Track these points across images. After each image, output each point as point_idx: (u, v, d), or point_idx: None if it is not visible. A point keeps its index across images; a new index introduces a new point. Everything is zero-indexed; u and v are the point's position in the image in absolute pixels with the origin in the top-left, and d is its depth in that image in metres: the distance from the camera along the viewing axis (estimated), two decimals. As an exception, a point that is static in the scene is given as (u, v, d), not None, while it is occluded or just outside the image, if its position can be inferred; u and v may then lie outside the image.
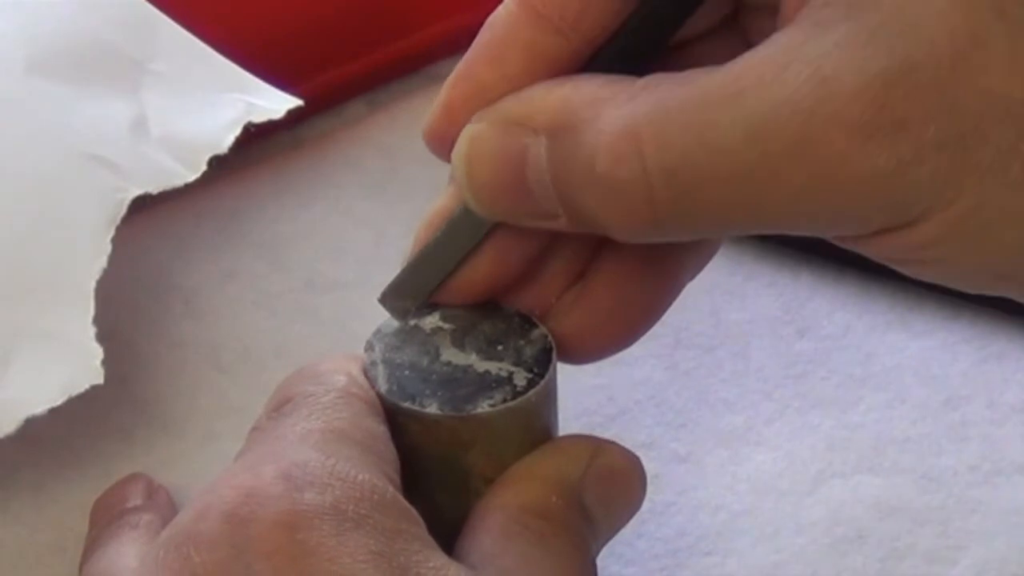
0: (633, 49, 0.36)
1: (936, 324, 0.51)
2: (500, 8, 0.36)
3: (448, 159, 0.37)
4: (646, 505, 0.39)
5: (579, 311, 0.39)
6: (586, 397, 0.48)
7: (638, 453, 0.39)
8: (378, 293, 0.39)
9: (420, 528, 0.35)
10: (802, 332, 0.51)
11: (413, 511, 0.35)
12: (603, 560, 0.38)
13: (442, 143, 0.37)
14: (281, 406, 0.37)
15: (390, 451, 0.37)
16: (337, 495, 0.34)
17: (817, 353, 0.50)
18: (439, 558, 0.34)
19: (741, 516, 0.46)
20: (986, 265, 0.33)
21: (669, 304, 0.39)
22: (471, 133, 0.36)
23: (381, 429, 0.37)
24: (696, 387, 0.49)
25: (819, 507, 0.46)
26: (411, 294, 0.39)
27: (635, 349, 0.49)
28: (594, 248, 0.39)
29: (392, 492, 0.35)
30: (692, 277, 0.40)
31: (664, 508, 0.45)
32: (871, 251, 0.34)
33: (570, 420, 0.41)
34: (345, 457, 0.35)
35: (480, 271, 0.38)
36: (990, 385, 0.49)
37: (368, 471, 0.35)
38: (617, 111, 0.33)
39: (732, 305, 0.51)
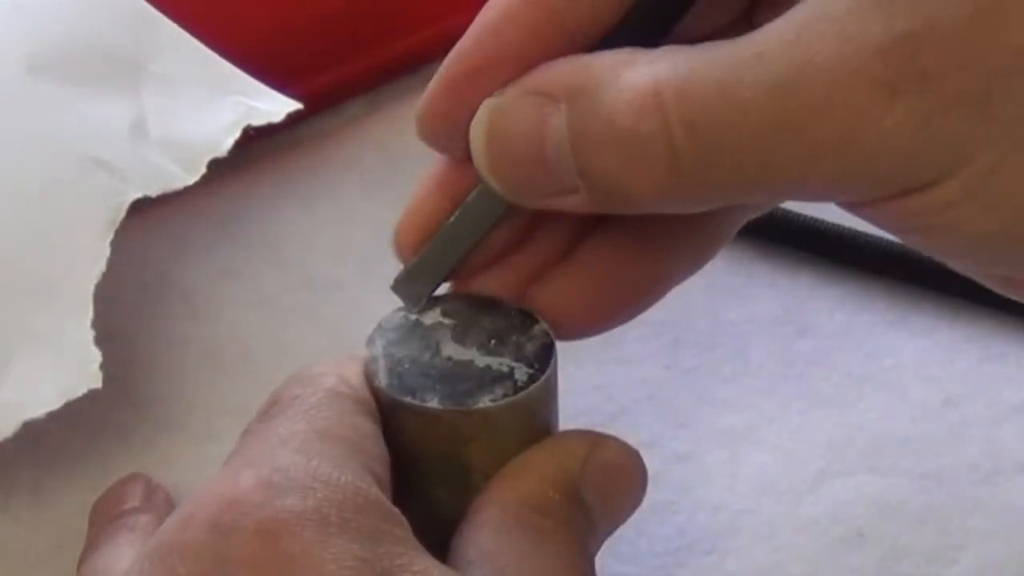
0: (642, 30, 0.36)
1: (936, 324, 0.51)
2: None
3: (439, 141, 0.37)
4: (646, 504, 0.39)
5: (563, 285, 0.39)
6: (586, 396, 0.48)
7: (638, 452, 0.39)
8: (378, 293, 0.39)
9: (404, 529, 0.35)
10: (802, 332, 0.51)
11: (397, 512, 0.35)
12: (603, 558, 0.38)
13: (438, 123, 0.37)
14: (269, 409, 0.37)
15: (379, 448, 0.37)
16: (319, 499, 0.34)
17: (817, 353, 0.50)
18: (423, 560, 0.34)
19: (741, 515, 0.46)
20: (999, 229, 0.33)
21: (657, 295, 0.39)
22: (492, 106, 0.36)
23: (369, 426, 0.37)
24: (696, 387, 0.49)
25: (819, 507, 0.46)
26: (424, 281, 0.38)
27: (635, 349, 0.50)
28: (584, 226, 0.39)
29: (375, 493, 0.35)
30: (684, 276, 0.39)
31: (664, 507, 0.45)
32: (883, 217, 0.34)
33: (570, 419, 0.41)
34: (328, 458, 0.35)
35: (485, 253, 0.38)
36: (990, 385, 0.49)
37: (351, 472, 0.35)
38: (637, 70, 0.33)
39: (732, 305, 0.51)
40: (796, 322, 0.51)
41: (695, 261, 0.40)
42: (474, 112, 0.36)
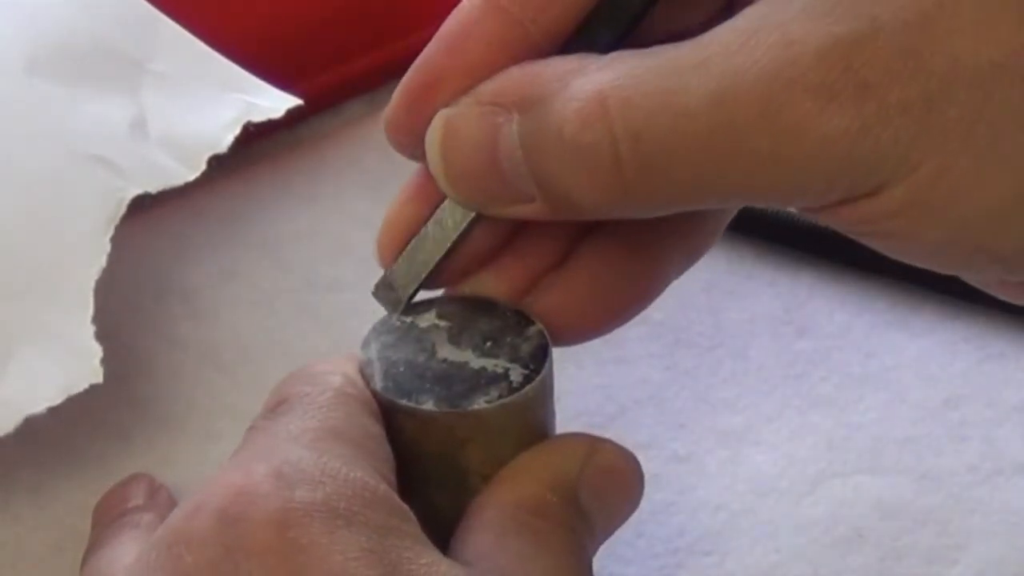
0: (601, 38, 0.36)
1: (936, 324, 0.51)
2: (463, 1, 0.36)
3: (406, 150, 0.37)
4: (646, 505, 0.39)
5: (560, 292, 0.39)
6: (586, 397, 0.48)
7: (637, 453, 0.39)
8: (377, 292, 0.39)
9: (412, 525, 0.35)
10: (802, 332, 0.51)
11: (405, 508, 0.35)
12: (602, 559, 0.38)
13: (401, 133, 0.37)
14: (277, 406, 0.37)
15: (384, 450, 0.37)
16: (328, 492, 0.34)
17: (817, 353, 0.50)
18: (431, 555, 0.34)
19: (741, 516, 0.46)
20: (952, 236, 0.33)
21: (654, 294, 0.39)
22: (444, 117, 0.36)
23: (376, 428, 0.37)
24: (696, 387, 0.49)
25: (819, 507, 0.46)
26: (402, 286, 0.39)
27: (635, 349, 0.50)
28: (579, 230, 0.39)
29: (384, 489, 0.35)
30: (680, 272, 0.39)
31: (664, 508, 0.45)
32: (836, 222, 0.34)
33: (569, 419, 0.41)
34: (338, 455, 0.35)
35: (467, 257, 0.38)
36: (990, 385, 0.49)
37: (360, 469, 0.35)
38: (585, 79, 0.33)
39: (732, 305, 0.51)
40: (796, 322, 0.51)
41: (689, 258, 0.40)
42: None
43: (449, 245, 0.38)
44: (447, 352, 0.38)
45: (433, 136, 0.36)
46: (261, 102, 0.52)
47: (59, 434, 0.47)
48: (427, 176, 0.37)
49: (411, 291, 0.39)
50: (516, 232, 0.39)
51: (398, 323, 0.39)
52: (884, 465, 0.47)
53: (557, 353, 0.39)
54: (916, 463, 0.47)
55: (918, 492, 0.46)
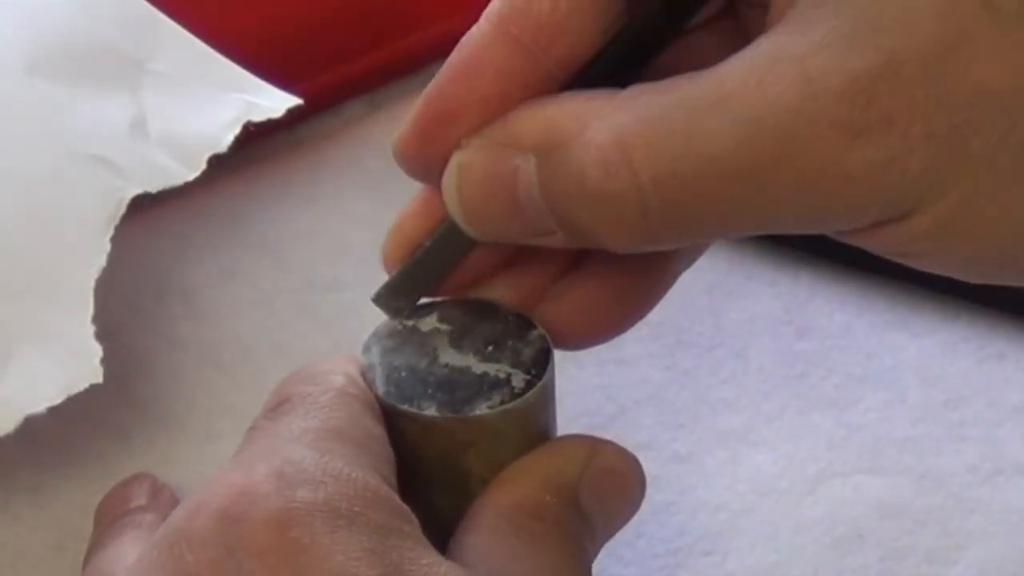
0: (617, 69, 0.36)
1: (936, 324, 0.51)
2: (473, 29, 0.36)
3: (417, 177, 0.37)
4: (646, 505, 0.39)
5: (571, 297, 0.39)
6: (586, 397, 0.48)
7: (638, 453, 0.39)
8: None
9: (414, 526, 0.35)
10: (802, 332, 0.51)
11: (407, 509, 0.35)
12: (602, 560, 0.38)
13: (413, 163, 0.37)
14: (278, 406, 0.37)
15: (386, 451, 0.37)
16: (330, 492, 0.34)
17: (817, 353, 0.50)
18: (431, 556, 0.34)
19: (741, 516, 0.46)
20: (982, 256, 0.33)
21: (663, 293, 0.39)
22: (459, 161, 0.36)
23: (378, 429, 0.37)
24: (696, 387, 0.49)
25: (819, 507, 0.46)
26: (406, 293, 0.39)
27: (635, 349, 0.50)
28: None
29: (386, 490, 0.35)
30: (687, 266, 0.40)
31: (664, 508, 0.45)
32: (868, 244, 0.34)
33: (570, 420, 0.41)
34: (340, 455, 0.35)
35: (474, 268, 0.38)
36: (990, 385, 0.49)
37: (362, 469, 0.35)
38: (603, 122, 0.33)
39: (732, 305, 0.51)
40: (796, 322, 0.51)
41: (696, 251, 0.40)
42: (446, 154, 0.36)
43: (457, 257, 0.38)
44: (449, 357, 0.38)
45: (450, 179, 0.36)
46: (261, 102, 0.52)
47: (59, 434, 0.47)
48: (435, 191, 0.37)
49: (414, 300, 0.39)
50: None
51: (400, 327, 0.39)
52: (884, 465, 0.47)
53: (557, 353, 0.39)
54: (916, 463, 0.47)
55: (918, 492, 0.46)
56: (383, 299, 0.39)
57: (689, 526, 0.45)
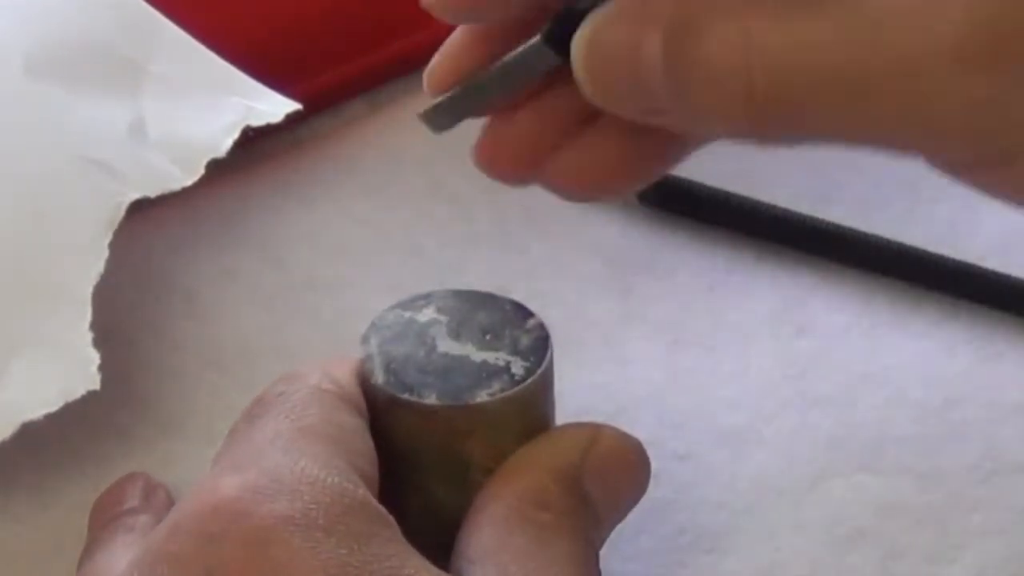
0: None
1: (936, 324, 0.51)
2: None
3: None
4: (646, 503, 0.39)
5: (584, 144, 0.38)
6: (585, 395, 0.48)
7: (638, 452, 0.39)
8: (378, 293, 0.39)
9: (393, 530, 0.35)
10: (802, 332, 0.50)
11: (384, 511, 0.35)
12: (603, 558, 0.38)
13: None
14: (254, 408, 0.38)
15: (365, 444, 0.37)
16: (306, 501, 0.34)
17: (817, 353, 0.50)
18: (413, 561, 0.34)
19: (741, 515, 0.46)
20: None
21: (672, 164, 0.39)
22: (591, 27, 0.36)
23: (355, 422, 0.37)
24: (696, 386, 0.49)
25: (819, 506, 0.46)
26: (452, 115, 0.38)
27: (635, 349, 0.50)
28: None
29: (363, 494, 0.35)
30: (699, 148, 0.39)
31: (664, 506, 0.45)
32: (974, 184, 0.34)
33: (569, 419, 0.41)
34: (313, 457, 0.35)
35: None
36: (990, 385, 0.49)
37: (337, 471, 0.35)
38: (732, 21, 0.33)
39: (732, 305, 0.51)
40: (796, 322, 0.51)
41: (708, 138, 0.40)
42: None
43: (514, 89, 0.37)
44: (447, 346, 0.38)
45: (578, 51, 0.36)
46: (260, 106, 0.52)
47: (59, 434, 0.47)
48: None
49: (460, 120, 0.38)
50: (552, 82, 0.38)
51: (397, 318, 0.39)
52: (884, 465, 0.47)
53: (555, 352, 0.39)
54: (916, 463, 0.47)
55: (918, 492, 0.46)
56: (428, 117, 0.38)
57: (689, 524, 0.45)
